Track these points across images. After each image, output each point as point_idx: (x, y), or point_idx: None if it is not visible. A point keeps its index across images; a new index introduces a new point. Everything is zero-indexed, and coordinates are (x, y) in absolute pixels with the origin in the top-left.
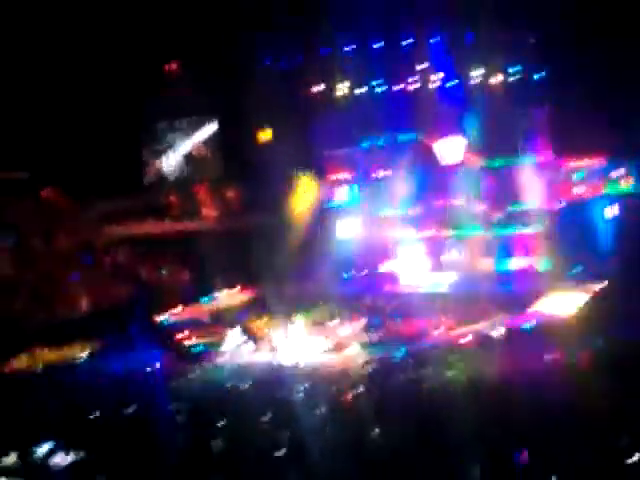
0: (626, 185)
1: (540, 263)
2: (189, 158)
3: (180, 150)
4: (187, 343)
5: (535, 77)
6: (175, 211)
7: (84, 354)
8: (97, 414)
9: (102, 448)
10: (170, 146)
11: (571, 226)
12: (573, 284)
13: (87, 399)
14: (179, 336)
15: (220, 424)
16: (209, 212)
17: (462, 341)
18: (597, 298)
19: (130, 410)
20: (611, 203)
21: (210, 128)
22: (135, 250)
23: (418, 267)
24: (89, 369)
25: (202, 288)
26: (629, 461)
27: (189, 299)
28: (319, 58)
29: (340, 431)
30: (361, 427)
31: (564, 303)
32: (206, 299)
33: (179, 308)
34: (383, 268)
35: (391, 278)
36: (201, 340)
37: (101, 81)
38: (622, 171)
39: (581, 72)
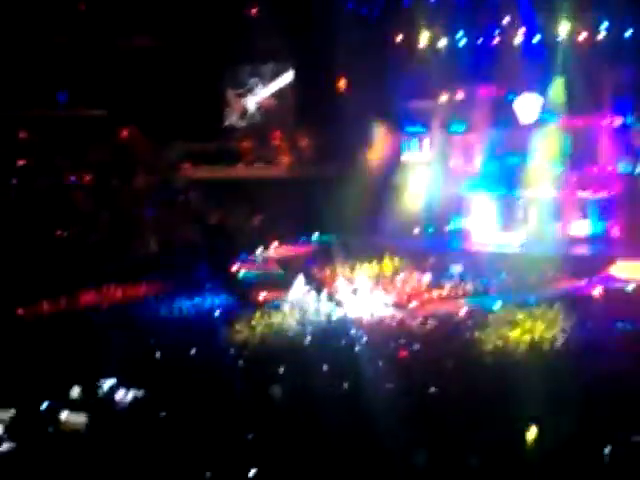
0: None
1: (614, 228)
2: (267, 104)
3: (259, 95)
4: (247, 277)
5: (622, 36)
6: (250, 157)
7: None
8: (161, 354)
9: (164, 387)
10: (249, 91)
11: None
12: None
13: (152, 338)
14: (243, 275)
15: (280, 371)
16: (283, 159)
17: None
18: None
19: (193, 352)
20: None
21: (289, 75)
22: (209, 193)
23: (487, 226)
24: (156, 308)
25: (272, 235)
26: None
27: (259, 245)
28: (401, 7)
29: (396, 385)
30: (415, 382)
31: (629, 272)
32: (275, 246)
33: (249, 253)
34: (454, 225)
35: (462, 235)
36: (269, 288)
37: (184, 23)
38: None
39: None
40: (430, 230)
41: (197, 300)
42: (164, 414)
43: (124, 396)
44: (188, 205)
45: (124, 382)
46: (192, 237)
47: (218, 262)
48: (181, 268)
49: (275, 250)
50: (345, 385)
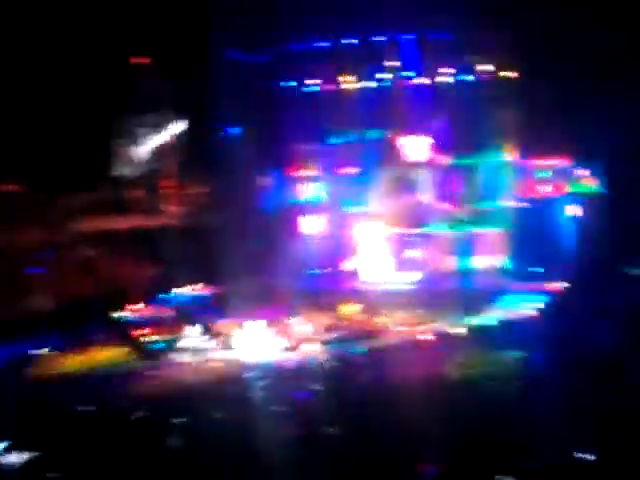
0: (590, 185)
1: (503, 262)
2: (156, 153)
3: (147, 145)
4: (146, 340)
5: (503, 77)
6: (140, 206)
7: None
8: (54, 412)
9: (58, 447)
10: (137, 141)
11: (535, 225)
12: (535, 283)
13: (45, 397)
14: (138, 333)
15: (178, 422)
16: (174, 208)
17: (422, 338)
18: (558, 298)
19: (88, 408)
20: (575, 203)
21: (177, 123)
22: (99, 246)
23: (382, 264)
24: (47, 366)
25: (165, 284)
26: None
27: (152, 295)
28: (289, 53)
29: (296, 428)
30: (317, 424)
31: (525, 302)
32: (168, 295)
33: (141, 305)
34: (347, 265)
35: (355, 275)
36: (161, 337)
37: (69, 73)
38: (586, 172)
39: (549, 73)
40: (325, 271)
41: (89, 354)
42: (56, 475)
43: (17, 458)
44: (79, 258)
45: (16, 444)
46: (84, 290)
47: (112, 314)
48: (74, 323)
49: (170, 301)
50: (243, 432)
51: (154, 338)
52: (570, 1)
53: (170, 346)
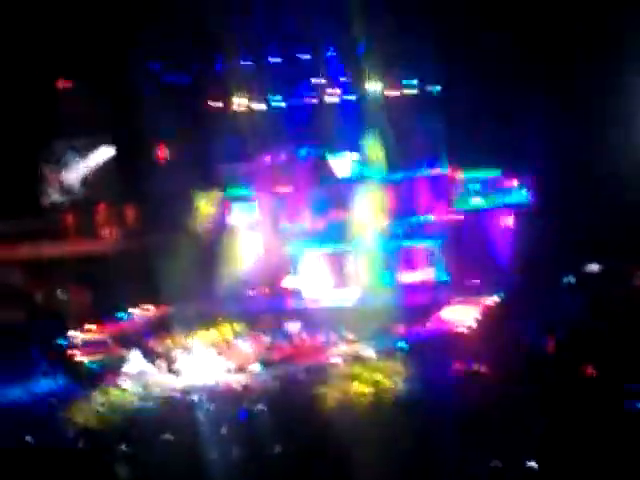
0: (520, 197)
1: (439, 275)
2: (87, 178)
3: (78, 170)
4: (86, 364)
5: (431, 91)
6: (73, 232)
7: None
8: None
9: None
10: (68, 166)
11: (470, 237)
12: (470, 296)
13: None
14: (78, 358)
15: (122, 448)
16: (108, 233)
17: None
18: (492, 309)
19: (28, 439)
20: (506, 215)
21: (108, 147)
22: (33, 272)
23: (320, 282)
24: None
25: (103, 309)
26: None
27: (90, 321)
28: (214, 73)
29: (242, 449)
30: (263, 445)
31: (461, 315)
32: (107, 320)
33: (78, 330)
34: (285, 284)
35: (293, 294)
36: (102, 361)
37: None
38: (519, 183)
39: (478, 85)
40: (264, 291)
41: (26, 382)
42: None
43: None
44: (10, 286)
45: None
46: (16, 319)
47: (46, 342)
48: (5, 353)
49: (108, 326)
50: (189, 456)
51: (95, 362)
52: (493, 12)
53: (112, 370)
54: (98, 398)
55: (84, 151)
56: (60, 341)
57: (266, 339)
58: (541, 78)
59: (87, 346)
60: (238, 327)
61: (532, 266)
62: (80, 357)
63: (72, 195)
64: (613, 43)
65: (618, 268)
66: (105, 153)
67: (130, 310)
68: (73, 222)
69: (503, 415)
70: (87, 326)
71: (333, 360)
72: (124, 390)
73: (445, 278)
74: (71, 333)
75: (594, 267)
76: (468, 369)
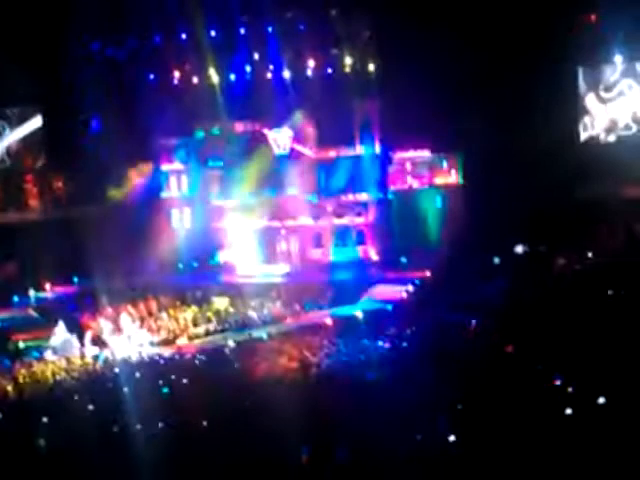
0: (452, 177)
1: (371, 252)
2: (15, 148)
3: (6, 140)
4: (13, 340)
5: (367, 70)
6: (0, 202)
7: None
8: None
9: None
10: None
11: (401, 216)
12: (400, 273)
13: None
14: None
15: (44, 421)
16: (35, 203)
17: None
18: (422, 286)
19: None
20: (438, 194)
21: (37, 117)
22: None
23: (252, 257)
24: None
25: (29, 281)
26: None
27: (15, 293)
28: (151, 47)
29: (168, 420)
30: (187, 418)
31: (392, 291)
32: (33, 293)
33: (4, 302)
34: (217, 259)
35: (225, 269)
36: (28, 337)
37: None
38: (449, 163)
39: (411, 66)
40: (193, 265)
41: None
42: None
43: None
44: None
45: None
46: None
47: None
48: None
49: (34, 296)
50: (114, 428)
51: (21, 337)
52: None
53: (38, 344)
54: (21, 371)
55: (13, 121)
56: None
57: (196, 313)
58: (475, 62)
59: (12, 320)
60: (165, 301)
61: (460, 246)
62: (3, 330)
63: (1, 165)
64: (541, 32)
65: (542, 251)
66: (35, 124)
67: (55, 283)
68: (0, 192)
69: (421, 390)
70: (12, 299)
71: (260, 335)
72: (48, 362)
73: (376, 256)
74: None
75: (519, 249)
76: (393, 345)
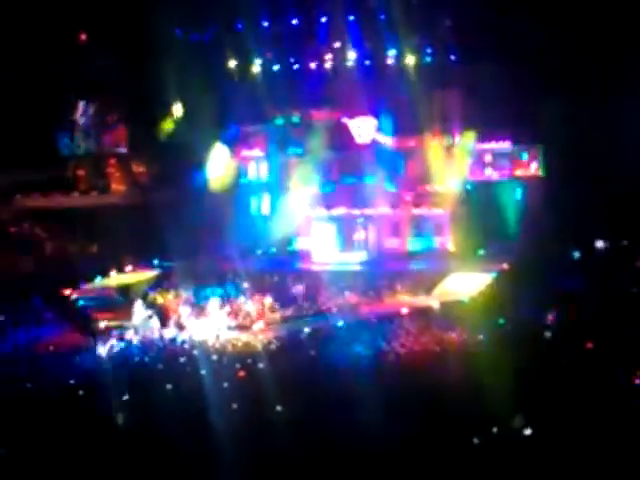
0: (533, 169)
1: (448, 243)
2: (100, 132)
3: (91, 124)
4: (94, 318)
5: (448, 60)
6: (84, 185)
7: None
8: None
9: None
10: (81, 120)
11: (479, 208)
12: (479, 265)
13: None
14: (86, 311)
15: (124, 398)
16: (118, 186)
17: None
18: (499, 279)
19: (32, 385)
20: (518, 186)
21: (122, 102)
22: (42, 223)
23: (329, 245)
24: None
25: (111, 262)
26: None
27: (97, 273)
28: (234, 33)
29: (243, 405)
30: (263, 402)
31: (469, 283)
32: (114, 273)
33: (88, 283)
34: (295, 246)
35: (302, 256)
36: (111, 315)
37: (15, 53)
38: (530, 155)
39: (492, 56)
40: (271, 251)
41: (34, 331)
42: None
43: None
44: (21, 236)
45: None
46: (26, 268)
47: (55, 292)
48: (16, 300)
49: (115, 277)
50: (194, 408)
51: (104, 316)
52: None
53: (120, 324)
54: (103, 349)
55: (99, 106)
56: (67, 293)
57: (273, 298)
58: (559, 52)
59: (94, 299)
60: (245, 286)
61: (539, 239)
62: (85, 309)
63: (84, 149)
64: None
65: (624, 246)
66: (119, 109)
67: (136, 264)
68: (85, 175)
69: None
70: (94, 279)
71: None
72: (128, 342)
73: (454, 247)
74: (79, 286)
75: (600, 244)
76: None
